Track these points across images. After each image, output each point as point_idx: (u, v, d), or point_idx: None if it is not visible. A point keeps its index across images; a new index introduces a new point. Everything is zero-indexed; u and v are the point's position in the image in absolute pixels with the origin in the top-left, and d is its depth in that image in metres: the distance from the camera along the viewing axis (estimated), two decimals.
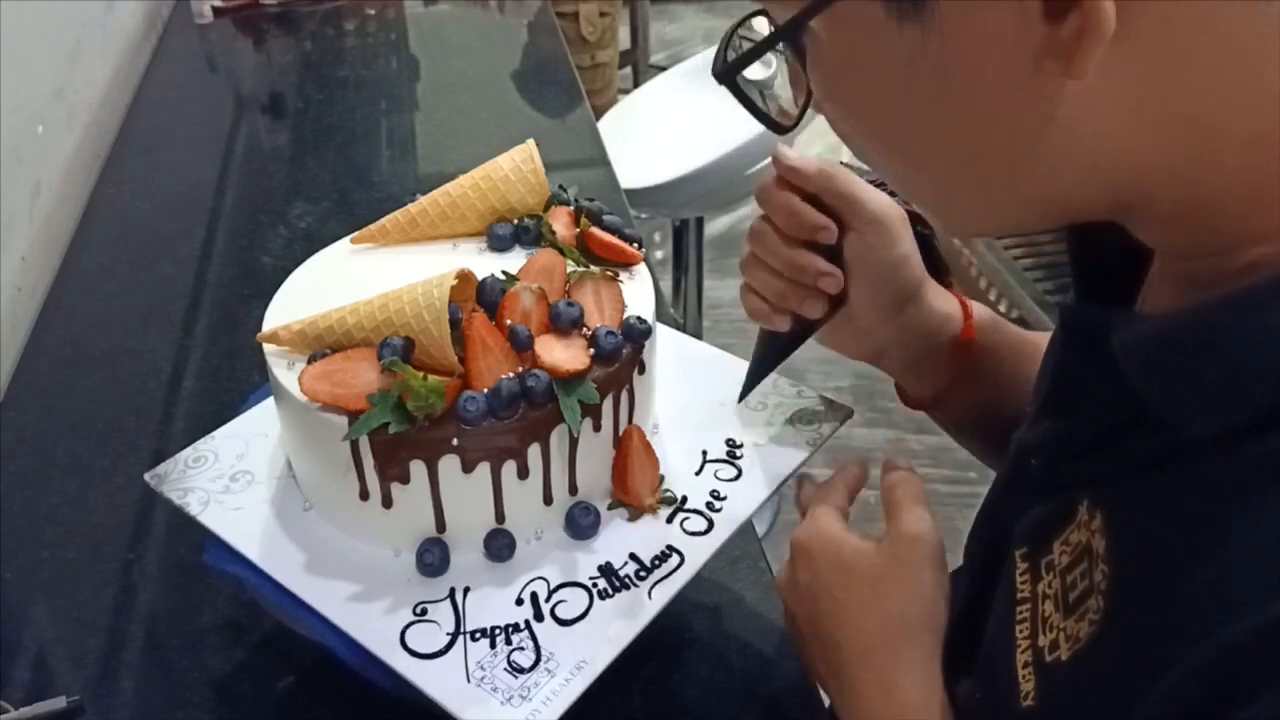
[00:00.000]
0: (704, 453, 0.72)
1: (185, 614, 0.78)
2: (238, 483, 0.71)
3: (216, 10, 1.84)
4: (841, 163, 0.65)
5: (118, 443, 0.94)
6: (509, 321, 0.63)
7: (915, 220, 0.65)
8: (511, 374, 0.61)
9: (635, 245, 0.73)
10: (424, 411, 0.59)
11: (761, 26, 0.50)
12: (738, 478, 0.70)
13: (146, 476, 0.73)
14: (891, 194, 0.65)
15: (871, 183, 0.64)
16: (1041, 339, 0.67)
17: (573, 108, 1.58)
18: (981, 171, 0.41)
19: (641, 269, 0.72)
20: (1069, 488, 0.44)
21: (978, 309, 0.68)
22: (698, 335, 2.19)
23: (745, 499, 0.68)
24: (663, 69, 2.61)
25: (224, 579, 0.74)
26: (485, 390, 0.60)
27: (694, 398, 0.76)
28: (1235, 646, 0.33)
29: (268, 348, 0.66)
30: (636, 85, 2.80)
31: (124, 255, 1.25)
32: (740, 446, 0.72)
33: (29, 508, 0.87)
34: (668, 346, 0.79)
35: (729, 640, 0.75)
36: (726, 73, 0.47)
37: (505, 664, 0.59)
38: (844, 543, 0.56)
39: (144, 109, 1.58)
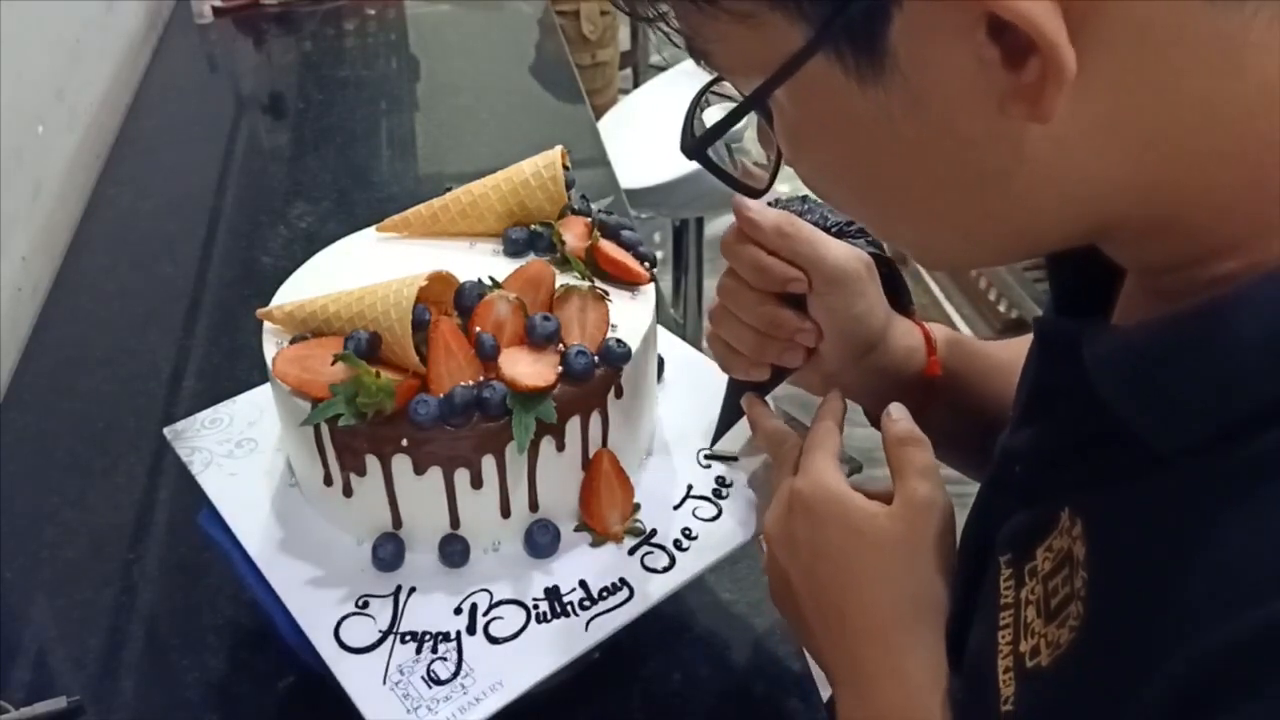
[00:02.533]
0: (689, 486, 0.69)
1: (185, 614, 0.78)
2: (242, 449, 0.73)
3: (216, 10, 1.84)
4: (802, 199, 0.65)
5: (118, 443, 0.94)
6: (478, 329, 0.63)
7: (880, 260, 0.64)
8: (470, 382, 0.61)
9: (647, 265, 0.71)
10: (373, 409, 0.59)
11: (725, 87, 0.50)
12: (716, 518, 0.67)
13: (165, 431, 0.76)
14: (854, 234, 0.64)
15: (830, 228, 0.63)
16: (1006, 349, 0.67)
17: (573, 108, 1.58)
18: (957, 215, 0.41)
19: (648, 290, 0.71)
20: (1051, 495, 0.44)
21: (940, 335, 0.67)
22: (698, 335, 2.19)
23: (716, 542, 0.66)
24: (663, 69, 2.61)
25: (219, 564, 0.74)
26: (441, 395, 0.60)
27: (698, 427, 0.73)
28: (1210, 657, 0.33)
29: (266, 324, 0.68)
30: (636, 85, 2.80)
31: (124, 255, 1.25)
32: (729, 485, 0.69)
33: (29, 508, 0.87)
34: (682, 367, 0.79)
35: (729, 640, 0.75)
36: (696, 148, 0.47)
37: (424, 672, 0.58)
38: (850, 502, 0.54)
39: (144, 109, 1.58)
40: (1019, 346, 0.55)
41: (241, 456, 0.73)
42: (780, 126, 0.44)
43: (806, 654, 0.72)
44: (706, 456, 0.72)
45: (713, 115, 0.49)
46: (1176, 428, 0.37)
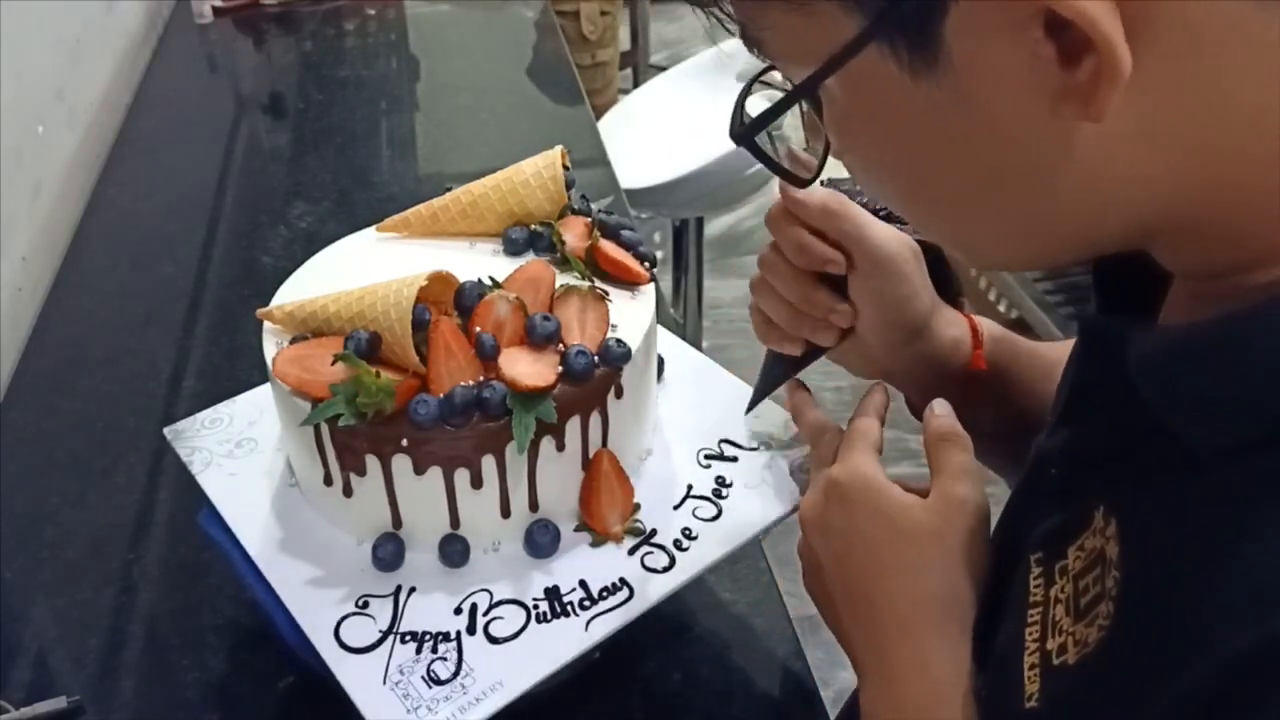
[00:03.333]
0: (689, 486, 0.69)
1: (185, 614, 0.78)
2: (242, 449, 0.73)
3: (216, 10, 1.84)
4: (853, 179, 0.65)
5: (118, 443, 0.94)
6: (478, 329, 0.62)
7: (926, 247, 0.64)
8: (470, 382, 0.61)
9: (647, 265, 0.71)
10: (372, 409, 0.59)
11: (772, 76, 0.50)
12: (716, 518, 0.67)
13: (165, 430, 0.76)
14: (903, 219, 0.64)
15: (879, 211, 0.63)
16: (1053, 350, 0.67)
17: (573, 108, 1.58)
18: (1003, 214, 0.41)
19: (648, 290, 0.71)
20: (1085, 495, 0.44)
21: (987, 330, 0.67)
22: (698, 335, 2.19)
23: (716, 542, 0.66)
24: (663, 69, 2.61)
25: (219, 564, 0.74)
26: (441, 395, 0.60)
27: (698, 427, 0.73)
28: (1241, 657, 0.33)
29: (266, 324, 0.68)
30: (636, 85, 2.80)
31: (124, 255, 1.25)
32: (729, 486, 0.69)
33: (29, 508, 0.87)
34: (682, 367, 0.78)
35: (729, 640, 0.75)
36: (745, 135, 0.47)
37: (424, 672, 0.58)
38: (887, 493, 0.54)
39: (144, 109, 1.58)
40: (1066, 349, 0.55)
41: (241, 456, 0.73)
42: (829, 116, 0.43)
43: (808, 658, 0.72)
44: (747, 412, 0.72)
45: (756, 104, 0.49)
46: (1214, 428, 0.37)
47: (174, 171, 1.43)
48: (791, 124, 0.51)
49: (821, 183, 0.62)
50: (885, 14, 0.36)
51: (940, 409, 0.58)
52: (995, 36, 0.35)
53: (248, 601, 0.74)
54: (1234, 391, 0.37)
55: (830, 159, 0.50)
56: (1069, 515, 0.45)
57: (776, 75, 0.48)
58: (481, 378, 0.61)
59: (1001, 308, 2.40)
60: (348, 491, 0.64)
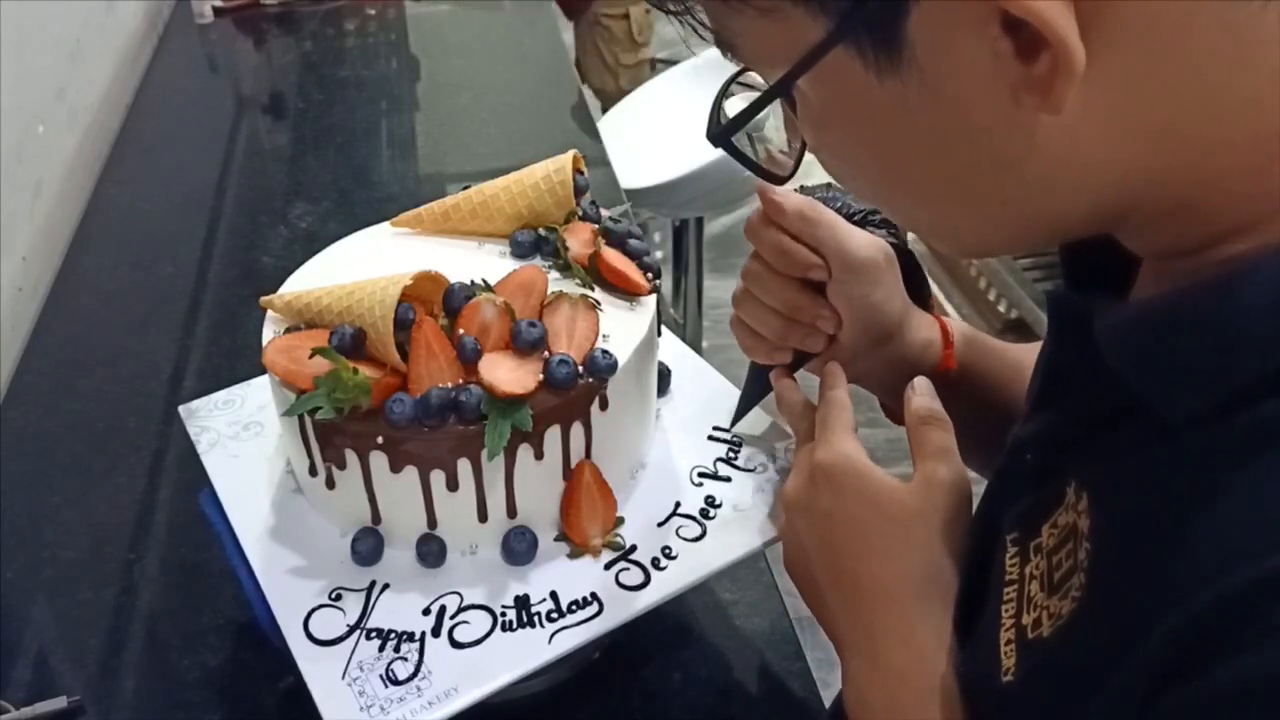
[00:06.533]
0: (677, 504, 0.68)
1: (185, 614, 0.78)
2: (248, 431, 0.74)
3: (217, 10, 1.84)
4: (826, 186, 0.65)
5: (118, 443, 0.94)
6: (461, 331, 0.62)
7: (900, 252, 0.64)
8: (449, 384, 0.60)
9: (650, 276, 0.70)
10: (349, 404, 0.59)
11: (749, 77, 0.51)
12: (699, 539, 0.65)
13: (180, 409, 0.76)
14: (877, 224, 0.65)
15: (853, 216, 0.64)
16: (1021, 350, 0.68)
17: (573, 108, 1.58)
18: (974, 200, 0.42)
19: (648, 301, 0.69)
20: (1060, 474, 0.45)
21: (956, 330, 0.68)
22: (698, 335, 2.19)
23: (695, 565, 0.64)
24: (673, 62, 2.61)
25: (219, 563, 0.75)
26: (418, 395, 0.60)
27: (699, 443, 0.72)
28: (1204, 614, 0.33)
29: (270, 312, 0.68)
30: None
31: (124, 255, 1.25)
32: (718, 507, 0.68)
33: (29, 508, 0.87)
34: (690, 380, 0.78)
35: (729, 640, 0.75)
36: (722, 135, 0.48)
37: (383, 671, 0.58)
38: (872, 475, 0.56)
39: (144, 109, 1.58)
40: (1035, 348, 0.56)
41: (247, 439, 0.73)
42: (803, 115, 0.45)
43: (808, 658, 0.72)
44: (715, 428, 0.72)
45: (735, 105, 0.50)
46: (1184, 394, 0.38)
47: (174, 171, 1.43)
48: (773, 125, 0.52)
49: (794, 189, 0.63)
50: (850, 16, 0.37)
51: (921, 386, 0.59)
52: (956, 33, 0.36)
53: (248, 601, 0.74)
54: (1199, 357, 0.37)
55: (808, 156, 0.50)
56: (1043, 494, 0.46)
57: (754, 76, 0.49)
58: (461, 380, 0.61)
59: (1001, 307, 2.40)
60: (330, 484, 0.64)
